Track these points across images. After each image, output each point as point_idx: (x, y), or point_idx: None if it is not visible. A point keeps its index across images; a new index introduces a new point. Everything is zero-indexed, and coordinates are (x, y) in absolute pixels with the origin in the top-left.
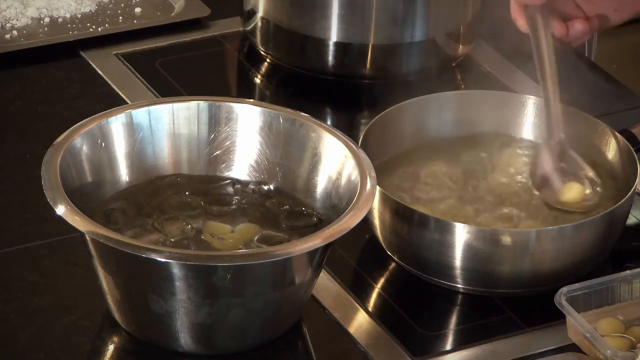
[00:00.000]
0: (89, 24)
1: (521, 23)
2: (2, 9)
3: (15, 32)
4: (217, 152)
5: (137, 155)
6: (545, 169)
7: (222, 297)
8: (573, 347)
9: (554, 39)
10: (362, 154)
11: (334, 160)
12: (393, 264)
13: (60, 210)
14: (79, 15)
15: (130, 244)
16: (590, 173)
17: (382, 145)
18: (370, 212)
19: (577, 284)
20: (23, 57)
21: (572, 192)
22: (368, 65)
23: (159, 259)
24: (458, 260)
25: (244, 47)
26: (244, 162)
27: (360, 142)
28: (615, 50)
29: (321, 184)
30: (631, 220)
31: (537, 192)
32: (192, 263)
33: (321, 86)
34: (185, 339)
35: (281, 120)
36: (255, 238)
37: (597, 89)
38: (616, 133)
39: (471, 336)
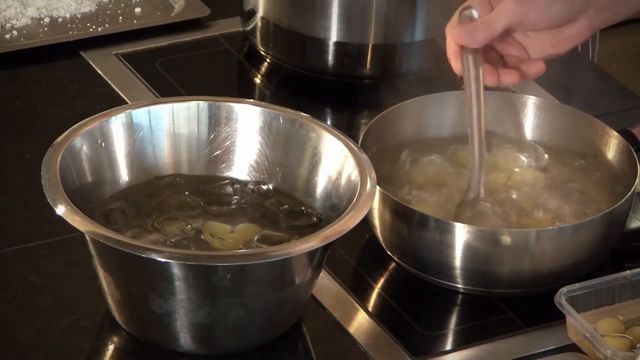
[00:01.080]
0: (89, 24)
1: (455, 66)
2: (2, 9)
3: (15, 32)
4: (217, 152)
5: (137, 155)
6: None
7: (222, 297)
8: (573, 347)
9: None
10: (362, 154)
11: (334, 160)
12: (393, 264)
13: (60, 210)
14: (79, 15)
15: (130, 244)
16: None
17: (382, 146)
18: (370, 212)
19: (577, 284)
20: (23, 57)
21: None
22: (368, 65)
23: (159, 259)
24: (458, 260)
25: (244, 47)
26: (244, 162)
27: (360, 142)
28: (616, 50)
29: (321, 184)
30: (631, 220)
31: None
32: (192, 263)
33: (321, 86)
34: (185, 339)
35: (281, 120)
36: (255, 238)
37: (597, 89)
38: (616, 133)
39: (471, 336)
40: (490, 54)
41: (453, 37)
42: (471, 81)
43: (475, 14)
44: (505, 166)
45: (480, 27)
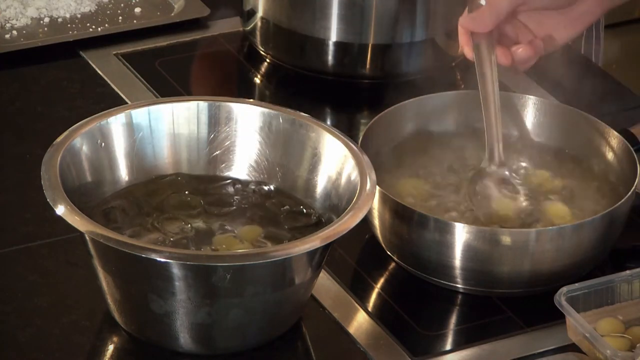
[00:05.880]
0: (88, 24)
1: (467, 50)
2: (2, 9)
3: (15, 32)
4: (217, 152)
5: (137, 155)
6: (485, 191)
7: (222, 297)
8: (573, 347)
9: (498, 66)
10: (362, 154)
11: (334, 160)
12: (393, 264)
13: (60, 210)
14: (79, 15)
15: (130, 243)
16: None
17: (382, 146)
18: (370, 212)
19: (577, 284)
20: (23, 57)
21: (505, 207)
22: (368, 65)
23: (158, 259)
24: (458, 260)
25: (244, 47)
26: (244, 162)
27: (360, 142)
28: (616, 51)
29: (321, 184)
30: (631, 220)
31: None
32: (191, 263)
33: (321, 86)
34: (185, 339)
35: (281, 120)
36: (259, 239)
37: (597, 89)
38: (616, 133)
39: (471, 336)
40: (505, 41)
41: (462, 26)
42: (484, 65)
43: (483, 1)
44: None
45: (486, 11)
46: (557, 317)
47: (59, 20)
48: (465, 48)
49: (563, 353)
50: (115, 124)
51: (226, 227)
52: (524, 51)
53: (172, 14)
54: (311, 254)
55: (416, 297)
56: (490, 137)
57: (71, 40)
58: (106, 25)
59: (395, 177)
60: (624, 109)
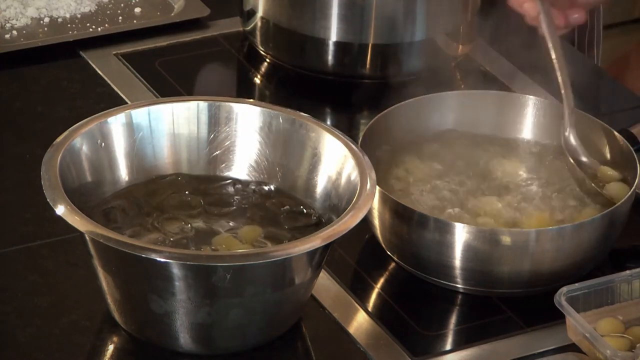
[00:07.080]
0: (88, 24)
1: (530, 6)
2: (2, 9)
3: (15, 32)
4: (217, 152)
5: (137, 155)
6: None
7: (222, 297)
8: (573, 347)
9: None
10: (362, 154)
11: (334, 160)
12: (393, 264)
13: (60, 210)
14: (79, 15)
15: (130, 243)
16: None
17: (382, 146)
18: (370, 212)
19: (577, 284)
20: (23, 57)
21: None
22: (368, 65)
23: (158, 259)
24: (458, 260)
25: (243, 47)
26: (244, 162)
27: (360, 142)
28: (616, 51)
29: (321, 184)
30: (631, 220)
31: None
32: (191, 263)
33: (321, 86)
34: (185, 339)
35: (281, 120)
36: (259, 239)
37: (597, 89)
38: (616, 133)
39: (471, 336)
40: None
41: None
42: (549, 26)
43: None
44: (505, 166)
45: None
46: (557, 317)
47: (59, 20)
48: (527, 4)
49: (563, 353)
50: (115, 124)
51: (226, 227)
52: (579, 16)
53: (172, 14)
54: (311, 254)
55: (416, 297)
56: (565, 102)
57: (71, 40)
58: (106, 25)
59: (395, 176)
60: (623, 109)
